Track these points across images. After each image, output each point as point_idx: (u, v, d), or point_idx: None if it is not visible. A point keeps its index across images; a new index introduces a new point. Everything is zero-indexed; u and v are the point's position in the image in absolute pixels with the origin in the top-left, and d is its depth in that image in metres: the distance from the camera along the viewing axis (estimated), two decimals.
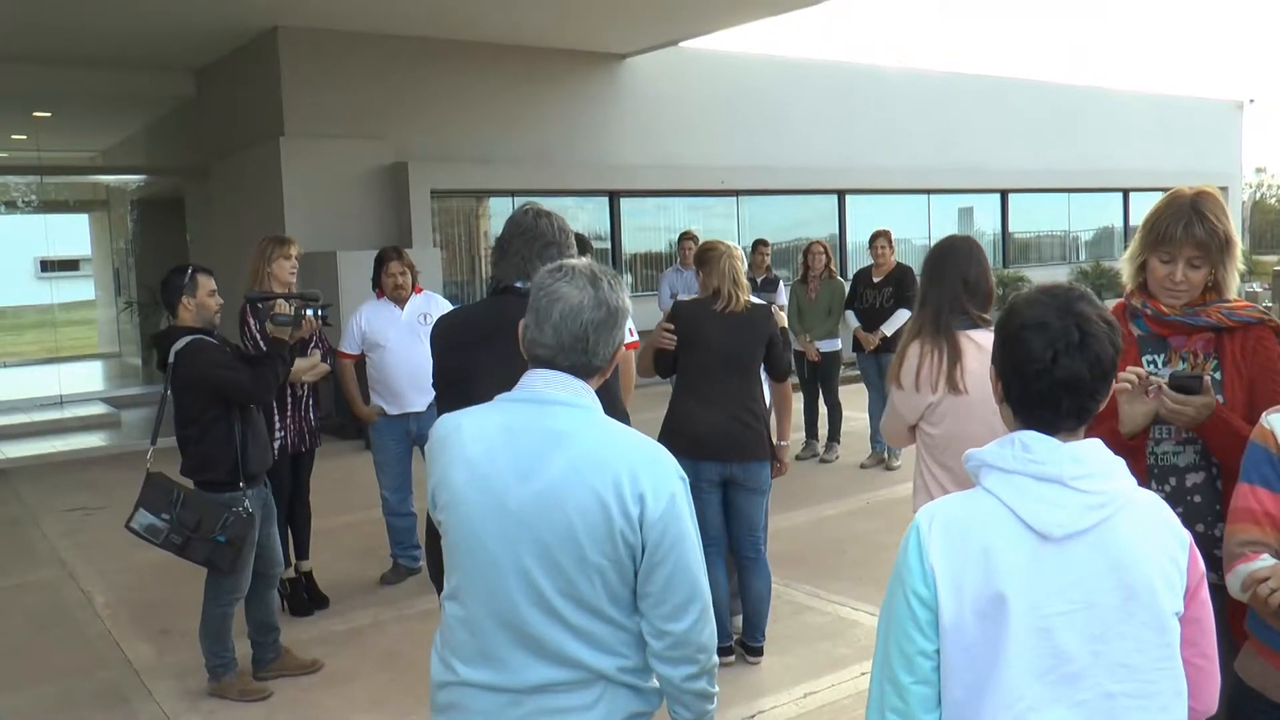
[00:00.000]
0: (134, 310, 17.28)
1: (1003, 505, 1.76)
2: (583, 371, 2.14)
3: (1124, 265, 2.93)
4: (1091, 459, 1.77)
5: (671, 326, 4.91)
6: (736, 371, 4.82)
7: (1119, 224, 21.29)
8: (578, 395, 2.13)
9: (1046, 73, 19.98)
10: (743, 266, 4.94)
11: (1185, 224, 2.71)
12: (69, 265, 27.40)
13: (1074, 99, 20.29)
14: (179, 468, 4.72)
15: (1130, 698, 1.74)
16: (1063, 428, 1.79)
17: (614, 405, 2.92)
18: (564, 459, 2.05)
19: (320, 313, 5.01)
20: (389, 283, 6.37)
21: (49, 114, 15.50)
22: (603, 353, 2.15)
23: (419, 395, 6.31)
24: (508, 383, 2.23)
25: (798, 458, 9.27)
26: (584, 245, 6.36)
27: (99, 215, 20.38)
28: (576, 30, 12.89)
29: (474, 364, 3.06)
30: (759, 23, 12.89)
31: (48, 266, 29.17)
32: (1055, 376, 1.77)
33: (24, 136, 17.26)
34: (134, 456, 10.92)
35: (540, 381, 2.14)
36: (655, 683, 2.18)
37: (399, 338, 6.29)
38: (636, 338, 5.67)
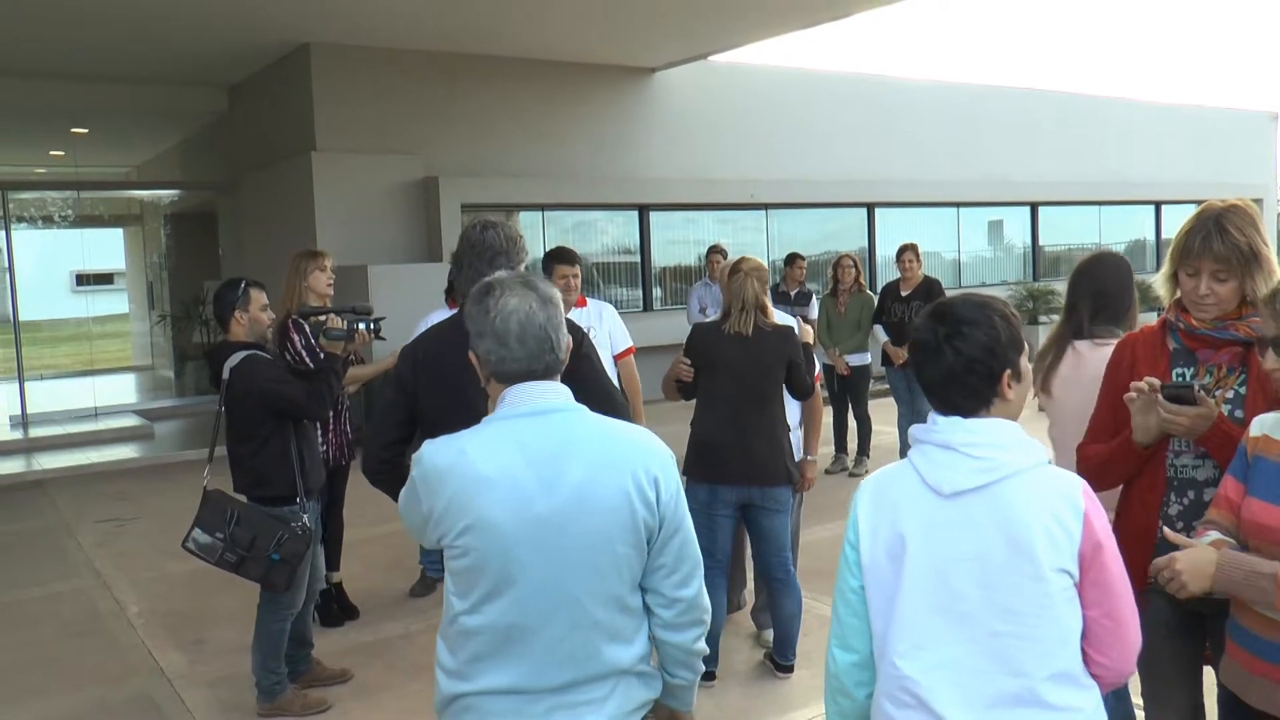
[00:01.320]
0: (167, 323, 17.46)
1: (913, 468, 2.13)
2: (555, 371, 2.25)
3: (1159, 281, 2.95)
4: (986, 431, 2.07)
5: (688, 361, 4.89)
6: (752, 393, 4.76)
7: (1150, 237, 21.11)
8: (565, 399, 2.24)
9: (1076, 85, 19.87)
10: (763, 287, 4.88)
11: (1204, 237, 2.74)
12: (103, 279, 27.71)
13: (1103, 111, 20.16)
14: (232, 484, 4.68)
15: (1014, 638, 2.00)
16: (964, 408, 2.10)
17: (609, 398, 3.10)
18: (580, 464, 2.14)
19: (373, 325, 4.98)
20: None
21: (86, 130, 15.73)
22: (562, 345, 2.26)
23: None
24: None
25: (826, 471, 9.24)
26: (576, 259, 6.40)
27: (133, 229, 20.61)
28: (606, 44, 12.95)
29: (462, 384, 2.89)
30: (788, 36, 12.91)
31: (83, 280, 29.53)
32: (930, 371, 2.13)
33: (62, 152, 17.53)
34: (166, 469, 11.06)
35: (529, 394, 2.20)
36: (653, 668, 2.30)
37: None
38: (632, 343, 5.89)
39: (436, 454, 2.20)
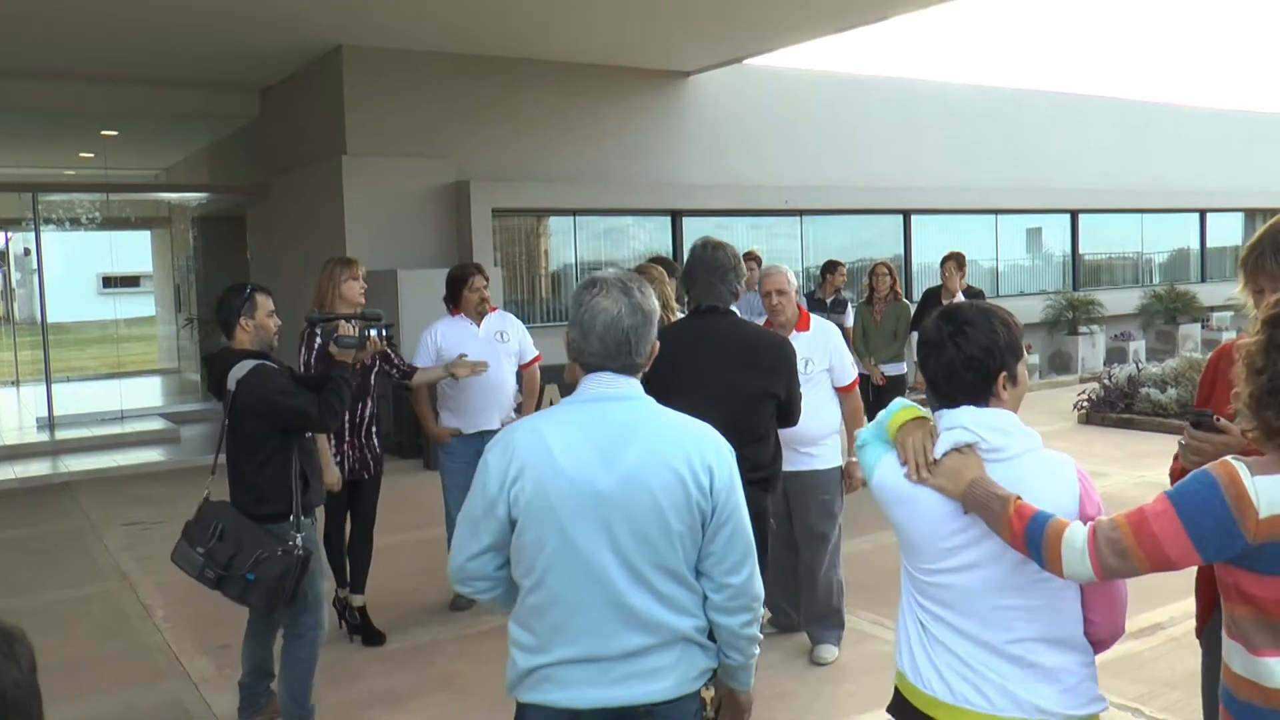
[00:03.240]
0: (194, 327, 17.63)
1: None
2: (630, 370, 2.48)
3: (1240, 291, 2.94)
4: (990, 417, 2.37)
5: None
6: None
7: (1195, 246, 20.92)
8: (632, 390, 2.47)
9: (1120, 89, 19.72)
10: (671, 292, 5.41)
11: (1259, 255, 2.76)
12: (130, 281, 28.01)
13: (1148, 116, 20.02)
14: (231, 499, 4.52)
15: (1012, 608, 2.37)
16: (959, 401, 2.41)
17: None
18: (639, 446, 2.37)
19: (384, 333, 4.87)
20: (473, 298, 6.33)
21: (115, 133, 15.94)
22: (644, 351, 2.49)
23: (495, 413, 6.34)
24: (711, 380, 3.66)
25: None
26: (671, 268, 6.46)
27: (161, 232, 20.83)
28: (639, 48, 13.00)
29: (683, 366, 3.78)
30: (824, 39, 12.90)
31: (110, 283, 29.87)
32: (933, 365, 2.44)
33: (91, 155, 17.75)
34: (192, 472, 11.15)
35: (599, 384, 2.46)
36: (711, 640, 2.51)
37: (477, 355, 6.22)
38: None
39: (514, 430, 2.47)
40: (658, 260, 6.74)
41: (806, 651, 5.52)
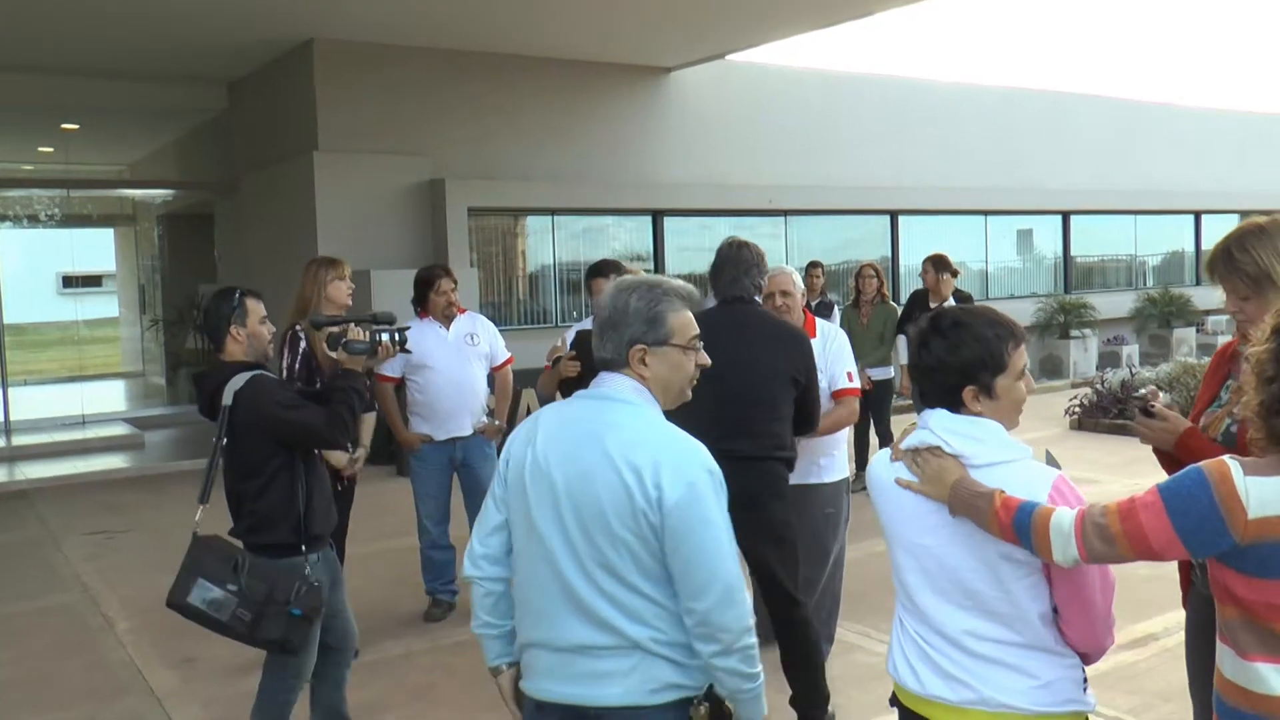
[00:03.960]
0: (159, 328, 17.54)
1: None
2: (613, 366, 2.56)
3: None
4: (964, 425, 2.45)
5: (575, 354, 5.49)
6: None
7: (1190, 248, 21.07)
8: (630, 394, 2.54)
9: (1111, 88, 19.85)
10: None
11: (1212, 259, 3.01)
12: (92, 281, 27.86)
13: (1142, 115, 20.17)
14: (228, 529, 4.16)
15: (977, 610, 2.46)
16: (934, 403, 2.52)
17: None
18: (602, 446, 2.45)
19: (397, 337, 4.54)
20: (440, 301, 6.33)
21: (77, 126, 15.84)
22: (612, 348, 2.55)
23: (466, 419, 6.35)
24: (735, 355, 4.00)
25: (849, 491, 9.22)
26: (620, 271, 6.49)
27: (124, 230, 20.73)
28: (620, 43, 13.02)
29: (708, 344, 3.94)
30: (809, 35, 12.95)
31: (70, 282, 29.67)
32: (913, 364, 2.60)
33: (50, 149, 17.63)
34: (157, 479, 11.11)
35: (600, 381, 2.59)
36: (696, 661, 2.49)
37: (446, 359, 6.26)
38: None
39: (536, 414, 2.67)
40: (603, 267, 6.72)
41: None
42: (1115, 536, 2.19)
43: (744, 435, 4.38)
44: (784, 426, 4.55)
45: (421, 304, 6.41)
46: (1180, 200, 20.33)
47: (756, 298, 4.77)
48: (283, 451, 4.08)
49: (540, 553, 2.50)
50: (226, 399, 4.02)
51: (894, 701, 2.66)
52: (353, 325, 4.40)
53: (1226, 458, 2.18)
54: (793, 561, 4.53)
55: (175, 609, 3.98)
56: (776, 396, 4.53)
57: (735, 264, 4.70)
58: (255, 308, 4.22)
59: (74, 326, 22.35)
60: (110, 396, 17.26)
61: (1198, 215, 20.86)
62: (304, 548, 4.08)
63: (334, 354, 4.32)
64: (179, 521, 5.58)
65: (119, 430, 13.51)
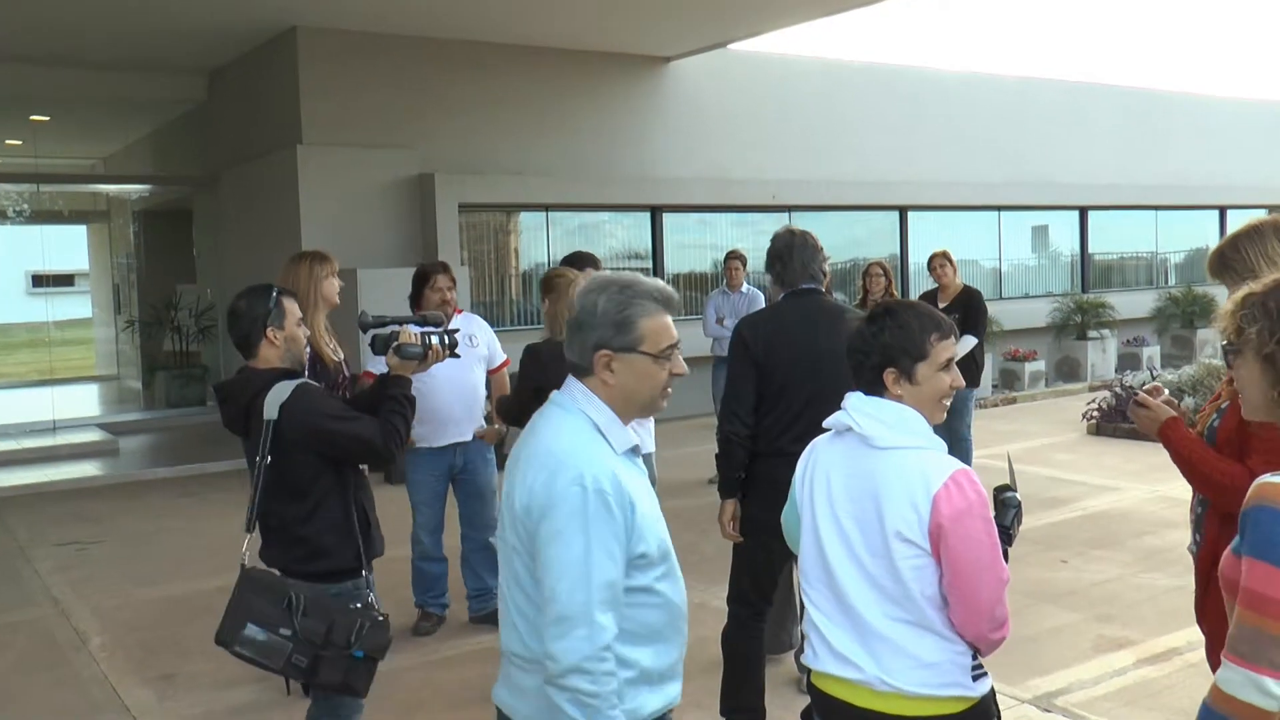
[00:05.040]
0: (135, 330, 17.53)
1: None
2: (579, 371, 2.55)
3: None
4: (877, 408, 2.72)
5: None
6: None
7: (1214, 244, 21.02)
8: (571, 400, 2.54)
9: (1132, 77, 19.79)
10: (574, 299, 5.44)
11: (1209, 259, 3.34)
12: (64, 280, 27.84)
13: (1165, 106, 20.17)
14: (268, 558, 3.96)
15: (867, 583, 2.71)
16: (861, 387, 2.80)
17: None
18: (518, 455, 2.55)
19: (448, 340, 4.37)
20: (435, 299, 6.26)
21: (47, 118, 15.84)
22: (577, 351, 2.53)
23: (467, 424, 6.29)
24: (810, 348, 4.41)
25: None
26: (593, 262, 6.49)
27: (98, 227, 20.73)
28: (617, 31, 13.03)
29: (783, 340, 4.60)
30: (814, 23, 12.96)
31: (41, 281, 29.64)
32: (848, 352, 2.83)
33: (19, 142, 17.63)
34: (133, 487, 11.10)
35: (562, 388, 2.61)
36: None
37: (447, 361, 6.18)
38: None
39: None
40: (576, 258, 6.69)
41: (795, 680, 5.53)
42: (1265, 625, 2.09)
43: None
44: None
45: (417, 301, 6.36)
46: (1205, 194, 20.32)
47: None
48: (330, 468, 3.87)
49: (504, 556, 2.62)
50: (270, 412, 3.75)
51: (807, 683, 2.89)
52: (406, 328, 4.21)
53: (1266, 478, 2.16)
54: None
55: (224, 647, 3.70)
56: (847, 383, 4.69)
57: (804, 249, 4.75)
58: (292, 308, 3.98)
59: (44, 328, 22.31)
60: (83, 401, 17.24)
61: (1223, 210, 20.83)
62: (365, 571, 3.93)
63: (385, 358, 4.14)
64: (155, 531, 5.62)
65: (92, 436, 13.49)
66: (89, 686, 5.86)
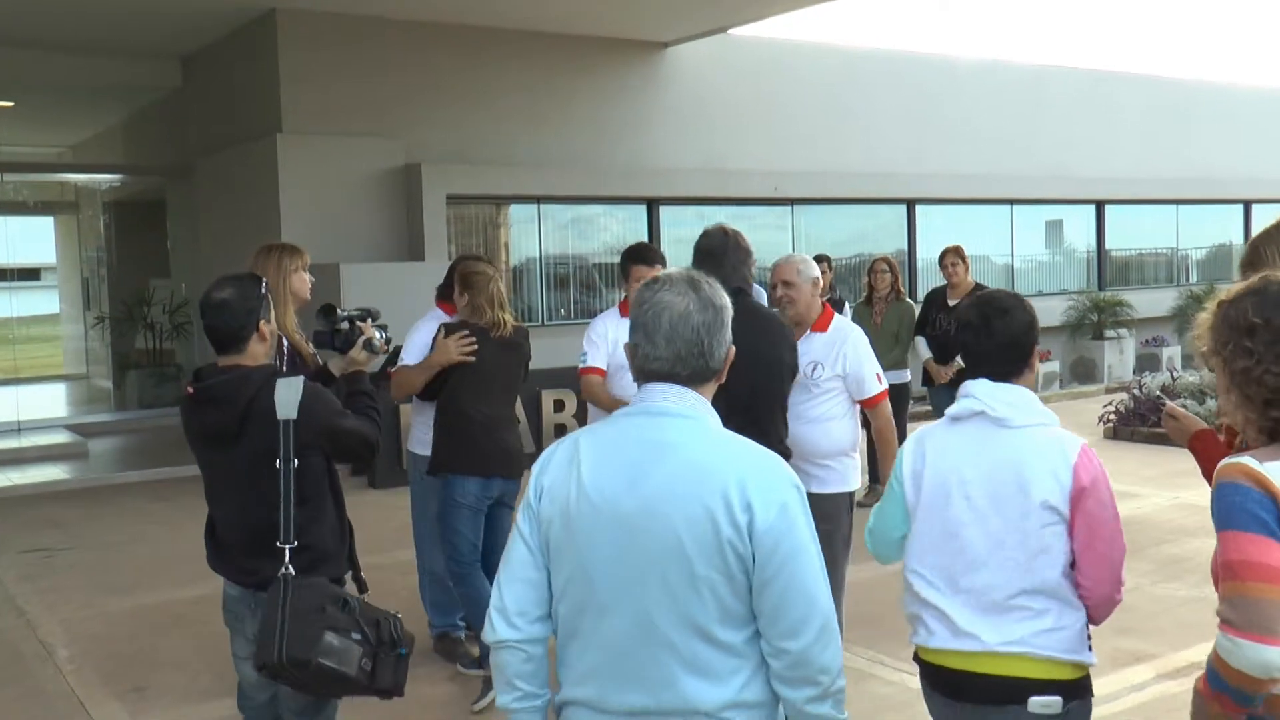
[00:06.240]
0: (105, 326, 17.49)
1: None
2: (701, 377, 2.42)
3: None
4: (997, 393, 3.04)
5: (469, 335, 5.55)
6: (506, 392, 5.82)
7: (1238, 240, 21.09)
8: (691, 407, 2.40)
9: (1153, 65, 19.80)
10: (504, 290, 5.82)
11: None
12: (29, 274, 27.75)
13: (1186, 95, 20.19)
14: (256, 568, 3.75)
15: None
16: (980, 375, 3.10)
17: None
18: (666, 469, 2.31)
19: (386, 335, 4.39)
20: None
21: (10, 103, 15.80)
22: (718, 354, 2.43)
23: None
24: (758, 353, 4.33)
25: (859, 504, 9.23)
26: (660, 258, 6.42)
27: (66, 218, 20.67)
28: (612, 15, 13.03)
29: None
30: (818, 7, 12.97)
31: (4, 275, 29.52)
32: (970, 347, 3.14)
33: None
34: (103, 491, 11.08)
35: (657, 394, 2.41)
36: None
37: None
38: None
39: (560, 444, 2.51)
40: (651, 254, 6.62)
41: None
42: (1248, 593, 2.33)
43: (770, 431, 4.64)
44: (785, 419, 4.90)
45: (451, 295, 5.99)
46: (1229, 188, 20.35)
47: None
48: (328, 469, 3.83)
49: (592, 603, 2.36)
50: (288, 411, 3.60)
51: (923, 666, 3.13)
52: (367, 322, 4.23)
53: (1230, 459, 2.47)
54: None
55: (295, 665, 3.50)
56: (784, 390, 4.91)
57: (736, 251, 4.94)
58: (272, 300, 3.92)
59: (8, 324, 22.19)
60: (49, 401, 17.20)
61: (1248, 204, 20.86)
62: (358, 575, 3.93)
63: (350, 354, 4.14)
64: (126, 538, 5.60)
65: (59, 438, 13.47)
66: (55, 701, 5.85)
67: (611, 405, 5.33)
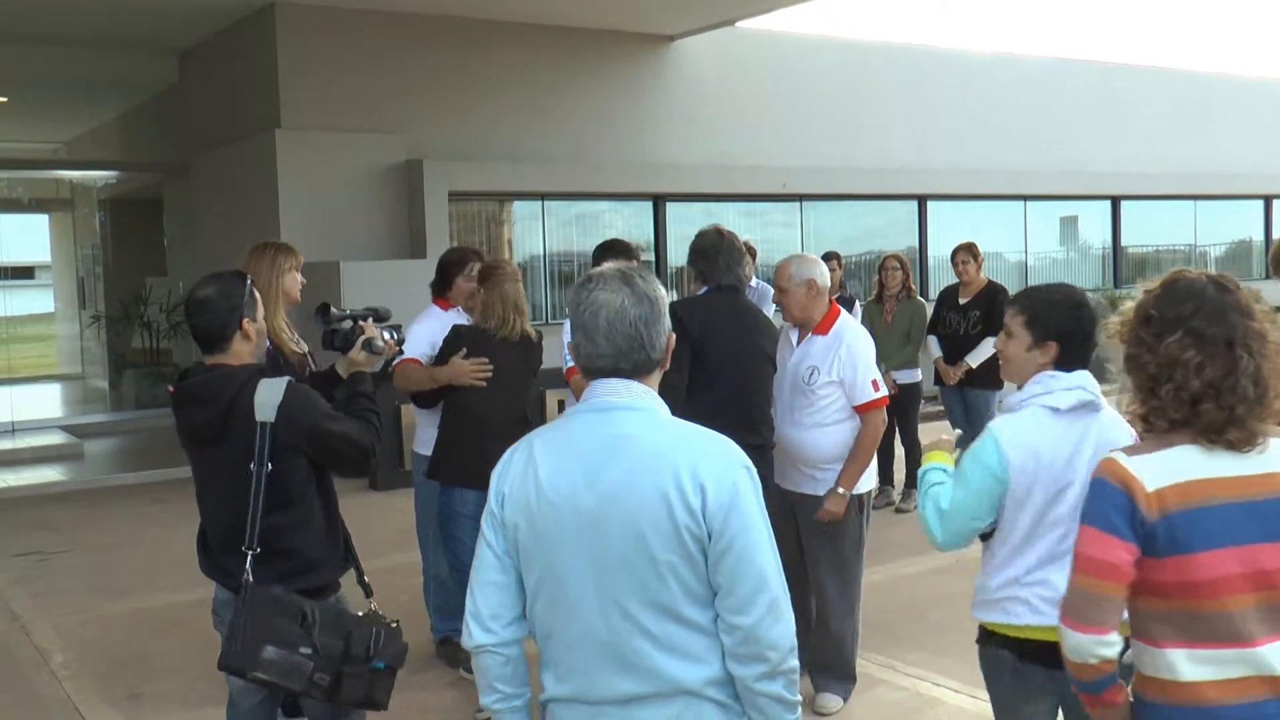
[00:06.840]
0: (101, 326, 17.52)
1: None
2: (645, 369, 2.51)
3: None
4: (1088, 382, 3.37)
5: (487, 361, 5.48)
6: (511, 398, 5.64)
7: (1259, 237, 21.05)
8: (638, 399, 2.50)
9: (1171, 58, 19.79)
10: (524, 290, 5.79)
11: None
12: (24, 273, 27.79)
13: (1206, 89, 20.13)
14: (251, 573, 3.66)
15: None
16: (1075, 367, 3.42)
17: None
18: (624, 461, 2.41)
19: (395, 335, 4.41)
20: (468, 288, 5.91)
21: (5, 99, 15.83)
22: (659, 344, 2.52)
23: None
24: (743, 347, 5.00)
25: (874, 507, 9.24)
26: (631, 253, 6.43)
27: (60, 216, 20.69)
28: (617, 8, 13.04)
29: (714, 336, 5.02)
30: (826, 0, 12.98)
31: None
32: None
33: None
34: (98, 493, 11.10)
35: (604, 390, 2.50)
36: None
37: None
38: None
39: (515, 451, 2.58)
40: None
41: (809, 699, 5.55)
42: (1079, 586, 2.55)
43: (760, 424, 5.05)
44: (769, 412, 5.26)
45: (445, 290, 6.05)
46: (1249, 184, 20.28)
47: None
48: (314, 473, 3.81)
49: (564, 600, 2.45)
50: (265, 414, 3.59)
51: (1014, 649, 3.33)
52: (369, 322, 4.22)
53: (1103, 457, 2.63)
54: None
55: (233, 674, 3.61)
56: (770, 384, 5.28)
57: (730, 251, 5.24)
58: (259, 298, 3.88)
59: (1, 323, 22.30)
60: (44, 401, 17.24)
61: (1268, 200, 20.80)
62: (363, 582, 3.94)
63: (349, 355, 4.13)
64: (122, 541, 5.62)
65: (54, 439, 13.50)
66: (50, 707, 5.87)
67: None
